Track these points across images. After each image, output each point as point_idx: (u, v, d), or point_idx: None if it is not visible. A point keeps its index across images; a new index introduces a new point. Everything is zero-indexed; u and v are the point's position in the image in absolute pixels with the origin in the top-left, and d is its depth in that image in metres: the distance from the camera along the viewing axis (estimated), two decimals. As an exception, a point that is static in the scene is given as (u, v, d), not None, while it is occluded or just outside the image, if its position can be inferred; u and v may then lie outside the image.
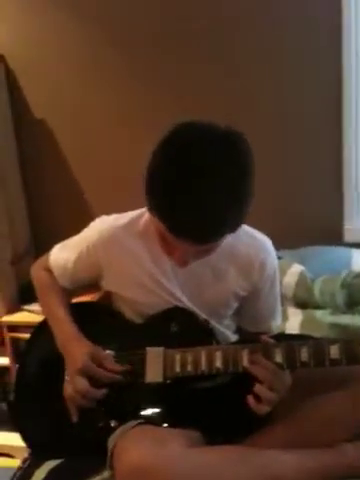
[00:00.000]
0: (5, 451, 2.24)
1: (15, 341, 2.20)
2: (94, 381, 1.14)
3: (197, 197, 0.94)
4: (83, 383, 1.12)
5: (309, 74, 2.07)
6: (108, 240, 1.21)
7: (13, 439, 2.19)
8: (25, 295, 2.24)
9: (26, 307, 2.23)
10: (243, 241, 1.22)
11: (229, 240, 1.19)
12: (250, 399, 1.04)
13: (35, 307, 2.17)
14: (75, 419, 1.17)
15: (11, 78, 2.36)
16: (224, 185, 0.95)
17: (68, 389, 1.16)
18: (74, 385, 1.14)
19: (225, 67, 2.13)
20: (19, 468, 1.23)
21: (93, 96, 2.31)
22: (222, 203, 0.95)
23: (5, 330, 2.22)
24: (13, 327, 2.21)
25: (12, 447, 2.21)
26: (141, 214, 1.23)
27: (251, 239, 1.24)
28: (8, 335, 2.21)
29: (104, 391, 1.13)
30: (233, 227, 1.03)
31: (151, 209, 1.02)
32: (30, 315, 2.18)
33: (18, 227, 2.38)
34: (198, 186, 0.93)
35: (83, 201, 2.40)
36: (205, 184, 0.94)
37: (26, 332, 1.99)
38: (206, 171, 0.94)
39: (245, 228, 1.23)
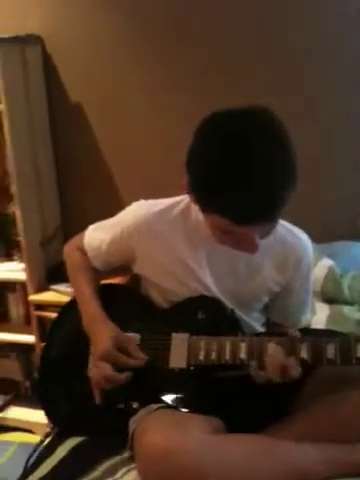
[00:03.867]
0: (27, 427, 2.30)
1: (42, 320, 2.25)
2: (117, 366, 1.15)
3: (260, 184, 0.93)
4: (106, 368, 1.13)
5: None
6: (143, 226, 1.21)
7: (34, 415, 2.26)
8: (53, 275, 2.28)
9: (53, 287, 2.26)
10: (281, 235, 1.22)
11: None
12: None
13: (62, 287, 2.20)
14: (98, 401, 1.18)
15: (48, 61, 2.37)
16: (279, 157, 0.94)
17: (92, 372, 1.18)
18: (98, 369, 1.15)
19: (260, 53, 2.10)
20: (40, 443, 1.25)
21: (129, 81, 2.30)
22: (279, 176, 0.94)
23: (32, 309, 2.27)
24: (40, 306, 2.25)
25: (33, 423, 2.27)
26: (178, 201, 1.23)
27: (289, 234, 1.23)
28: (35, 314, 2.25)
29: (127, 375, 1.14)
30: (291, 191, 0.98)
31: (206, 207, 1.01)
32: (57, 295, 2.22)
33: (48, 210, 2.41)
34: (258, 174, 0.93)
35: (113, 187, 2.41)
36: (263, 171, 0.93)
37: (53, 311, 2.04)
38: (259, 160, 0.93)
39: (283, 223, 1.23)
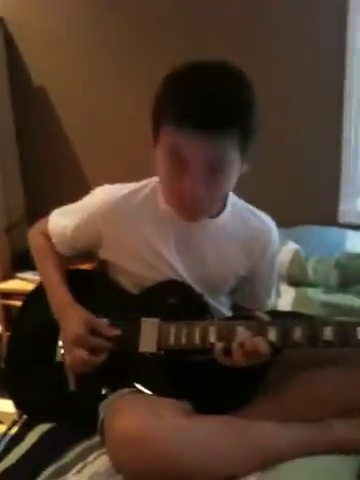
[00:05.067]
0: (-5, 417, 2.27)
1: (7, 309, 2.22)
2: (91, 349, 1.14)
3: (204, 83, 0.97)
4: (81, 352, 1.13)
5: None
6: (109, 210, 1.19)
7: (2, 405, 2.23)
8: (18, 263, 2.24)
9: (19, 275, 2.23)
10: (248, 220, 1.23)
11: (234, 217, 1.22)
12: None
13: (28, 275, 2.18)
14: (73, 387, 1.17)
15: (10, 42, 2.31)
16: (231, 80, 0.99)
17: (67, 358, 1.17)
18: (72, 354, 1.14)
19: (229, 37, 2.10)
20: (6, 431, 1.25)
21: (94, 64, 2.27)
22: (229, 90, 0.98)
23: (-2, 297, 2.24)
24: (5, 294, 2.22)
25: (1, 413, 2.23)
26: (144, 185, 1.22)
27: (256, 219, 1.25)
28: (0, 302, 2.22)
29: (104, 356, 1.13)
30: (242, 127, 1.00)
31: (156, 125, 1.04)
32: (23, 283, 2.19)
33: (12, 196, 2.37)
34: (206, 77, 0.98)
35: (79, 171, 2.39)
36: (212, 76, 0.98)
37: (18, 300, 2.01)
38: (213, 70, 0.99)
39: (249, 207, 1.26)
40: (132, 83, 2.23)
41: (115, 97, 2.27)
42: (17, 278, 2.24)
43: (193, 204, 1.05)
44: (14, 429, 1.26)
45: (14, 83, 2.35)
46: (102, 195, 1.23)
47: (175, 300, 1.19)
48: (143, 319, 1.17)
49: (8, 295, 2.21)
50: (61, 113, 2.36)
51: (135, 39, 2.20)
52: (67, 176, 2.40)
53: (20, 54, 2.32)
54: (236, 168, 1.06)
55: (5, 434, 1.26)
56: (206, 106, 0.95)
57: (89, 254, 1.33)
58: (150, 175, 1.21)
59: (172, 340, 1.14)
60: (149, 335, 1.16)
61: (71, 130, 2.37)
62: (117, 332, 1.16)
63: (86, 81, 2.30)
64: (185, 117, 0.96)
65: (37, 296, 1.31)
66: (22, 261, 2.18)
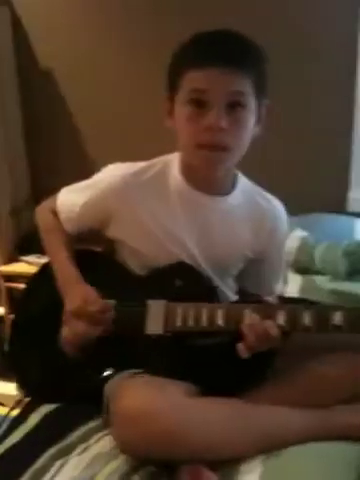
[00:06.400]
0: (-1, 400, 2.28)
1: (11, 291, 2.21)
2: (89, 322, 1.14)
3: (221, 32, 1.08)
4: (79, 324, 1.13)
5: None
6: (120, 186, 1.18)
7: (5, 388, 2.24)
8: (23, 246, 2.24)
9: (24, 258, 2.22)
10: (257, 201, 1.24)
11: (243, 198, 1.22)
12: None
13: (33, 258, 2.17)
14: (71, 362, 1.17)
15: (17, 25, 2.29)
16: (242, 34, 1.09)
17: (64, 331, 1.17)
18: (70, 326, 1.15)
19: (236, 17, 2.06)
20: (8, 413, 1.24)
21: (100, 47, 2.25)
22: (243, 37, 1.09)
23: (1, 280, 2.24)
24: (10, 277, 2.22)
25: (4, 396, 2.24)
26: (154, 163, 1.22)
27: (266, 202, 1.26)
28: (4, 285, 2.22)
29: (100, 329, 1.13)
30: (257, 74, 1.08)
31: (174, 77, 1.10)
32: (27, 266, 2.18)
33: (18, 179, 2.36)
34: (220, 30, 1.09)
35: (85, 154, 2.37)
36: (226, 30, 1.09)
37: (22, 283, 2.01)
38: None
39: (259, 189, 1.27)
40: (139, 66, 2.21)
41: (121, 80, 2.25)
42: (21, 261, 2.24)
43: (216, 137, 1.07)
44: (16, 410, 1.25)
45: (21, 66, 2.33)
46: (113, 171, 1.22)
47: (183, 282, 1.18)
48: (150, 301, 1.16)
49: (12, 278, 2.20)
50: (67, 96, 2.33)
51: (141, 21, 2.17)
52: (73, 159, 2.38)
53: (27, 37, 2.30)
54: (252, 112, 1.09)
55: (7, 415, 1.25)
56: (226, 46, 1.06)
57: (95, 237, 1.32)
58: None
59: (179, 322, 1.13)
60: (156, 317, 1.15)
61: (77, 113, 2.35)
62: (111, 314, 1.15)
63: (92, 64, 2.27)
64: (208, 57, 1.04)
65: (41, 278, 1.31)
66: (27, 244, 2.18)
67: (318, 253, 1.84)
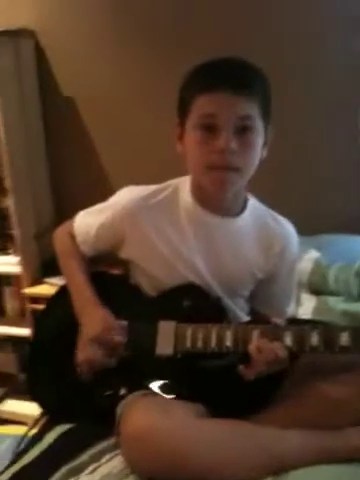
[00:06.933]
0: (21, 420, 2.31)
1: (36, 313, 2.25)
2: (106, 350, 1.17)
3: (228, 60, 1.14)
4: (95, 351, 1.16)
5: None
6: (132, 208, 1.23)
7: (29, 408, 2.24)
8: (48, 269, 2.28)
9: (48, 280, 2.27)
10: (267, 222, 1.26)
11: (253, 219, 1.24)
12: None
13: (57, 280, 2.21)
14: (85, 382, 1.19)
15: (41, 55, 2.38)
16: (249, 62, 1.14)
17: (80, 355, 1.19)
18: (85, 353, 1.17)
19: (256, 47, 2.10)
20: (29, 430, 1.27)
21: (122, 77, 2.31)
22: (250, 65, 1.13)
23: (27, 302, 2.28)
24: (35, 299, 2.26)
25: (28, 416, 2.26)
26: (166, 186, 1.26)
27: (276, 223, 1.27)
28: (29, 307, 2.27)
29: (114, 362, 1.16)
30: (263, 98, 1.12)
31: (188, 94, 1.13)
32: (51, 288, 2.21)
33: (42, 203, 2.42)
34: (228, 58, 1.13)
35: (106, 178, 2.42)
36: (234, 58, 1.14)
37: (46, 305, 2.05)
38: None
39: (269, 211, 1.29)
40: (157, 95, 2.25)
41: (140, 108, 2.30)
42: (46, 283, 2.28)
43: (226, 159, 1.09)
44: (35, 429, 1.28)
45: (44, 93, 2.41)
46: (126, 194, 1.27)
47: (191, 303, 1.20)
48: (161, 322, 1.19)
49: (37, 299, 2.24)
50: (88, 123, 2.40)
51: (159, 53, 2.22)
52: (95, 183, 2.44)
53: (50, 66, 2.39)
54: (260, 134, 1.12)
55: (26, 434, 1.28)
56: (234, 72, 1.11)
57: (111, 259, 1.35)
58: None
59: (188, 343, 1.15)
60: (166, 338, 1.17)
61: (98, 139, 2.41)
62: (122, 339, 1.18)
63: (113, 92, 2.34)
64: (217, 82, 1.08)
65: (60, 297, 1.34)
66: (50, 267, 2.22)
67: (332, 274, 1.83)
